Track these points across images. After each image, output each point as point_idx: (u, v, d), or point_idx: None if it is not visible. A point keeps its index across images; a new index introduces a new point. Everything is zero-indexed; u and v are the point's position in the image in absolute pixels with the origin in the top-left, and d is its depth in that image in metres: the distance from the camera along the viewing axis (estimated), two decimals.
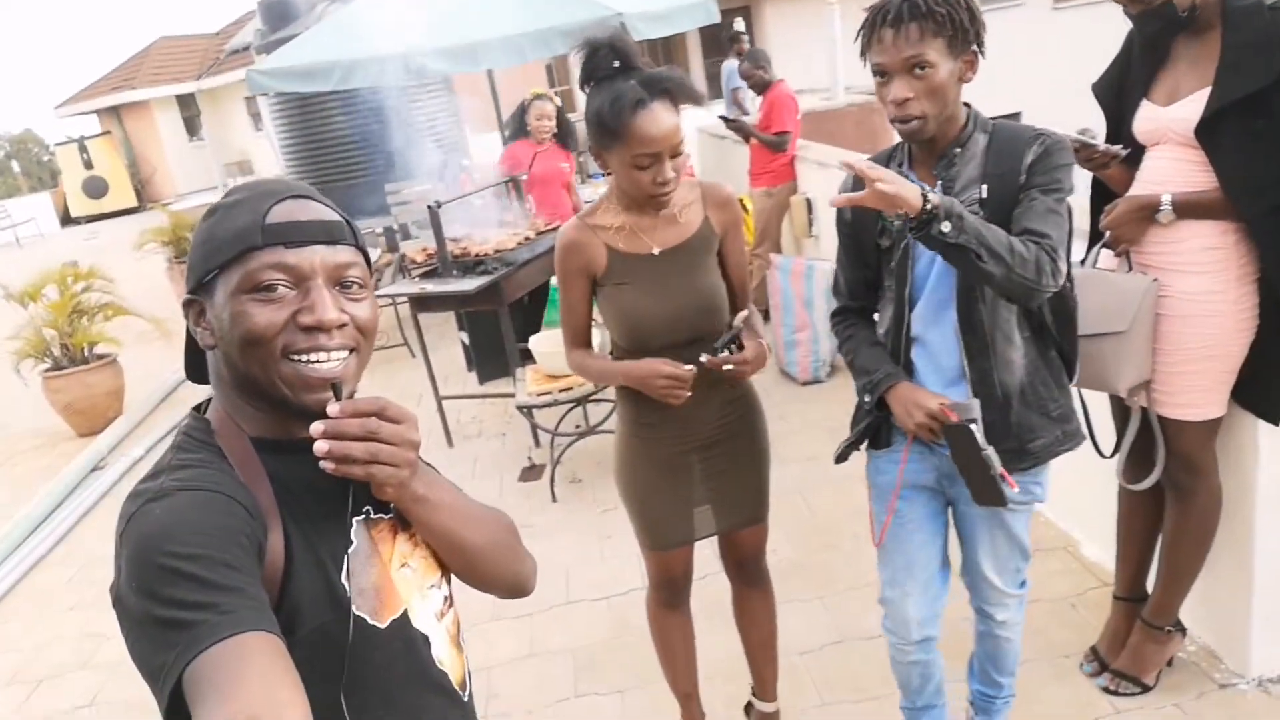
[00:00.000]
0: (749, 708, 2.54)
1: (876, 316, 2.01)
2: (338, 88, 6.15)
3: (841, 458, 2.07)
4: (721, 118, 6.45)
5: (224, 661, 0.81)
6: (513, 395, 4.47)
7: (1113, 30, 2.15)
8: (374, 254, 7.89)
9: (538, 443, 4.80)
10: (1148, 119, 2.18)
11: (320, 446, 0.97)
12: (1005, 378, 1.84)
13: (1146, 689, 2.47)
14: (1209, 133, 2.03)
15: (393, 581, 1.09)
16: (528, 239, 5.02)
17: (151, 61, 24.73)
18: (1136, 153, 2.23)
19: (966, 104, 1.81)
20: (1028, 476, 1.91)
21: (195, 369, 1.15)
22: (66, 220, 24.52)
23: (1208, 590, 2.50)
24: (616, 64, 1.89)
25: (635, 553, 2.32)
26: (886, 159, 1.92)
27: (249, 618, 0.85)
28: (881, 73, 1.73)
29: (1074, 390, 2.37)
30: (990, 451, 1.75)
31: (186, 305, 1.06)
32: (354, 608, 1.03)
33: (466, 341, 5.81)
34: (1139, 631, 2.48)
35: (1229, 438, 2.31)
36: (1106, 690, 2.50)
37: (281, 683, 0.82)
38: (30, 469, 6.12)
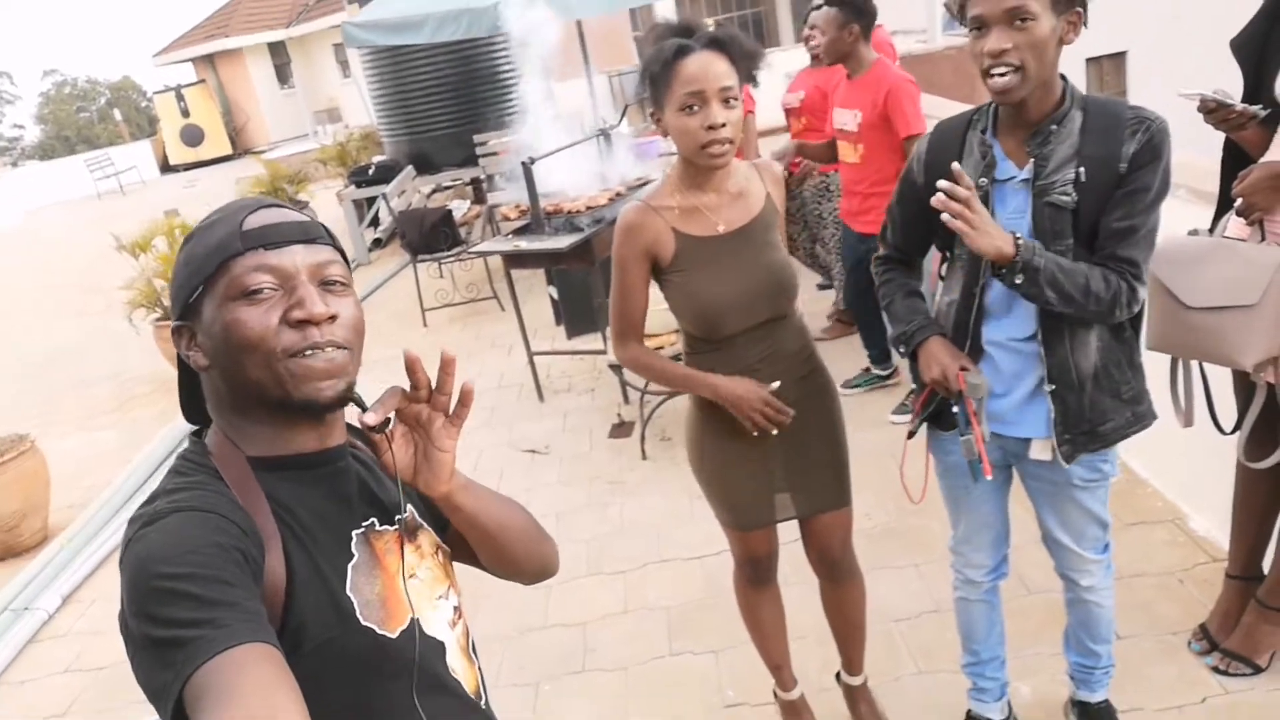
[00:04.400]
0: (838, 676, 2.55)
1: (941, 280, 2.02)
2: (430, 40, 6.20)
3: (912, 434, 2.05)
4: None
5: (221, 673, 0.82)
6: (602, 351, 4.51)
7: None
8: (463, 205, 7.99)
9: (627, 399, 4.84)
10: None
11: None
12: (1081, 362, 1.82)
13: (1259, 670, 2.40)
14: None
15: (399, 592, 1.10)
16: (619, 194, 5.00)
17: (243, 9, 25.18)
18: (1276, 115, 2.11)
19: (1063, 76, 1.74)
20: (1097, 456, 1.91)
21: (191, 410, 1.16)
22: (165, 168, 25.35)
23: None
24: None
25: None
26: (966, 125, 1.86)
27: (245, 630, 0.86)
28: (980, 24, 1.66)
29: (1194, 365, 2.30)
30: (970, 437, 1.83)
31: (175, 334, 1.07)
32: (361, 618, 1.04)
33: (555, 296, 5.85)
34: (1252, 611, 2.41)
35: None
36: (1215, 670, 2.44)
37: (279, 691, 0.83)
38: (144, 414, 6.44)
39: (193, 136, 24.62)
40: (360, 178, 9.69)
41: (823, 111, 4.84)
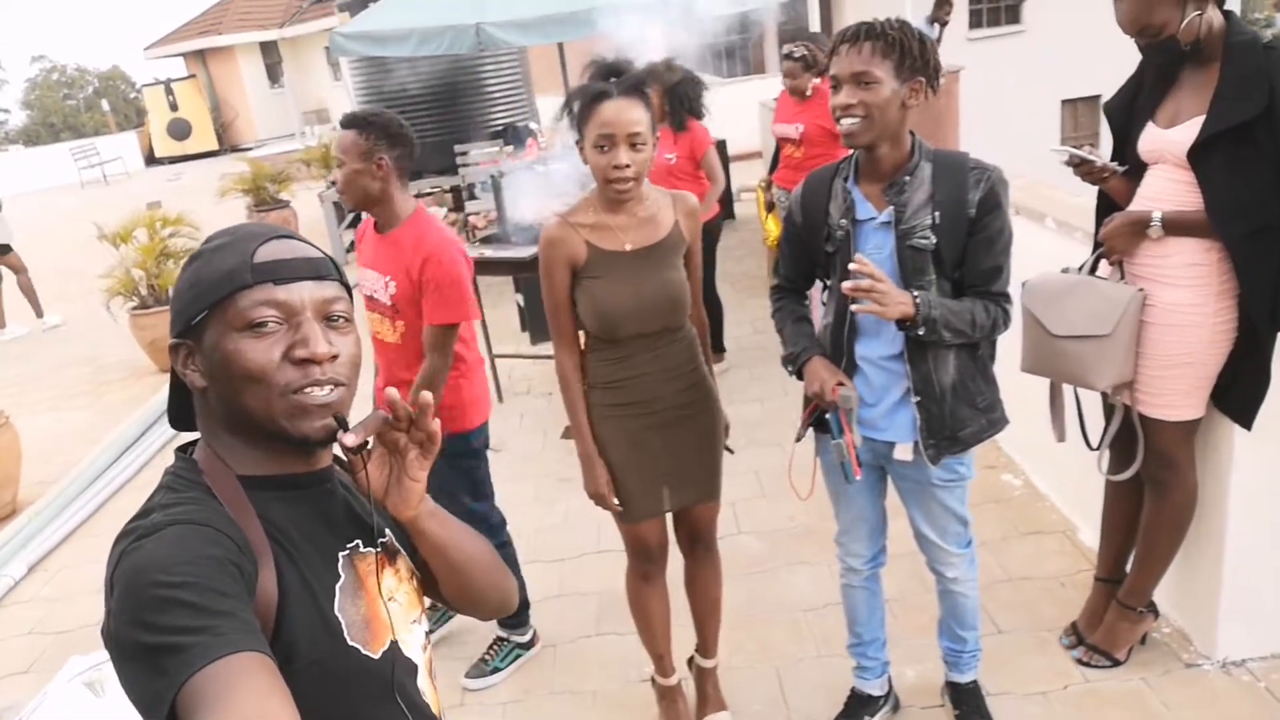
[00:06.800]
0: (690, 662, 2.79)
1: (821, 304, 2.30)
2: (413, 54, 6.44)
3: (799, 438, 2.32)
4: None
5: (217, 680, 0.82)
6: None
7: None
8: (440, 212, 8.22)
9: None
10: (1150, 139, 2.34)
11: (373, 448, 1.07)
12: (942, 377, 2.09)
13: (1117, 663, 2.67)
14: (1200, 157, 2.20)
15: (381, 613, 1.12)
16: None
17: (237, 7, 25.36)
18: (1140, 170, 2.40)
19: (912, 133, 2.04)
20: (954, 459, 2.17)
21: (178, 416, 1.18)
22: (151, 160, 25.39)
23: (1183, 577, 2.70)
24: (612, 80, 2.15)
25: None
26: (833, 174, 2.14)
27: (240, 639, 0.86)
28: (836, 83, 1.98)
29: (1067, 389, 2.59)
30: (841, 442, 2.09)
31: (173, 349, 1.08)
32: (348, 638, 1.06)
33: (521, 303, 6.10)
34: (1114, 610, 2.68)
35: (1208, 439, 2.49)
36: (1080, 662, 2.72)
37: (273, 700, 0.84)
38: (117, 399, 6.61)
39: (180, 130, 24.71)
40: None
41: (825, 144, 5.03)
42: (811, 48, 5.54)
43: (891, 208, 2.03)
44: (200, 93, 25.07)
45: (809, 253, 2.21)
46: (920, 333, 1.97)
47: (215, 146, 24.79)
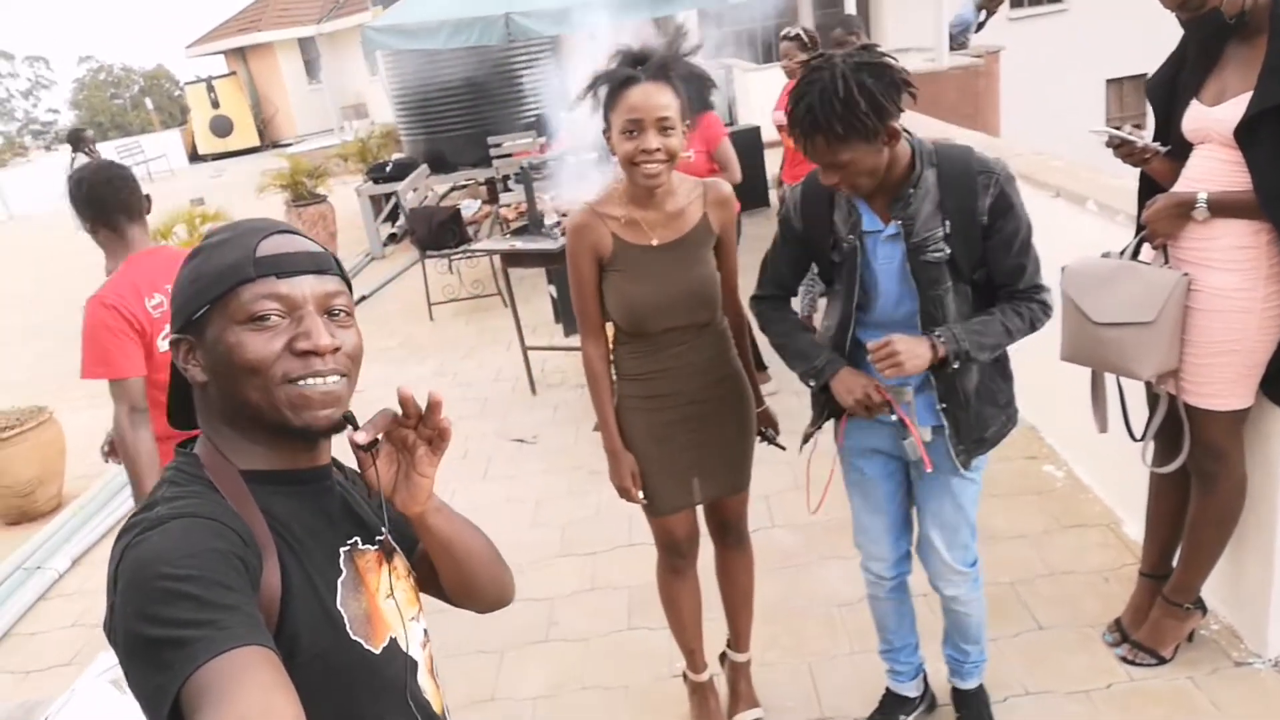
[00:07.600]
0: (723, 657, 2.75)
1: (820, 309, 2.22)
2: (444, 46, 6.44)
3: (806, 439, 2.25)
4: None
5: (221, 674, 0.82)
6: None
7: None
8: (474, 205, 8.23)
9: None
10: (1194, 118, 2.24)
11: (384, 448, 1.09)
12: (966, 384, 2.03)
13: (1163, 661, 2.59)
14: (1248, 135, 2.10)
15: (380, 610, 1.13)
16: None
17: (276, 4, 25.62)
18: (1184, 150, 2.30)
19: (909, 137, 1.93)
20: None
21: (178, 414, 1.19)
22: (194, 157, 25.79)
23: (1233, 572, 2.60)
24: (638, 66, 2.08)
25: None
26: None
27: (245, 633, 0.86)
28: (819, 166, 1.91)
29: (1109, 378, 2.50)
30: (911, 439, 2.01)
31: (174, 345, 1.08)
32: (351, 632, 1.06)
33: (554, 295, 6.09)
34: (1159, 607, 2.59)
35: (1257, 429, 2.39)
36: (1124, 660, 2.63)
37: (278, 694, 0.84)
38: None
39: (222, 127, 25.06)
40: (378, 174, 9.96)
41: None
42: (808, 29, 5.41)
43: (899, 221, 1.96)
44: (241, 90, 25.40)
45: (810, 256, 2.14)
46: (955, 367, 1.92)
47: (257, 143, 25.12)
